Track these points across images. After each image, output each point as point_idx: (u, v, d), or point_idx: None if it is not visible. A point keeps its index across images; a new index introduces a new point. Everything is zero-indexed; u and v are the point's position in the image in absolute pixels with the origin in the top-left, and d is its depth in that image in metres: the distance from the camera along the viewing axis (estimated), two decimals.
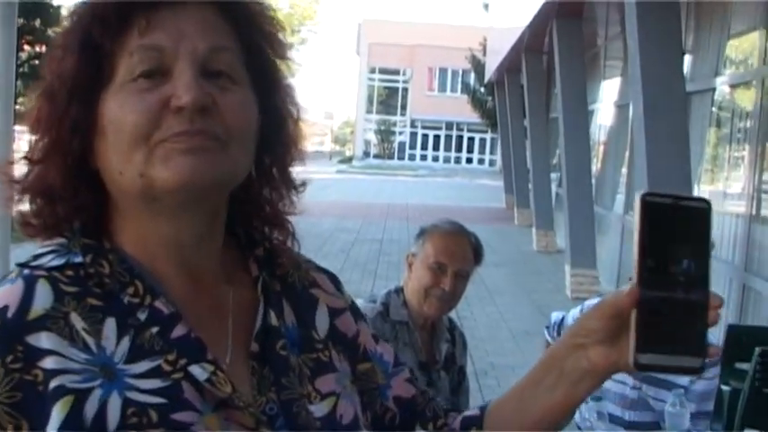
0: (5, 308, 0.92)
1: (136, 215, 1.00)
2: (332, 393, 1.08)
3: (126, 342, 0.95)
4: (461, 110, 44.63)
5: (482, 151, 59.74)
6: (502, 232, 18.31)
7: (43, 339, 0.92)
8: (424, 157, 60.67)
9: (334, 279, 1.20)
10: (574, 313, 3.66)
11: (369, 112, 63.66)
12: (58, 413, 0.89)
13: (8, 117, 2.67)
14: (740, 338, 5.37)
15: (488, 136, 54.43)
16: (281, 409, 1.01)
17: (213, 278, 1.05)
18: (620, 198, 12.10)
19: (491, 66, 23.64)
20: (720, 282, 7.70)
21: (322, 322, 1.13)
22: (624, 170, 12.06)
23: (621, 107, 12.18)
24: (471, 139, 59.68)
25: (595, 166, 14.33)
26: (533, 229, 16.41)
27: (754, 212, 7.24)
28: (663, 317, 0.95)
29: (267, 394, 1.01)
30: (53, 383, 0.90)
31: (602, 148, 14.63)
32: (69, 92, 0.97)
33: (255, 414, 0.98)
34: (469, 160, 59.90)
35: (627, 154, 11.74)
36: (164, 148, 0.95)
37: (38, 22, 16.96)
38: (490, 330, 9.20)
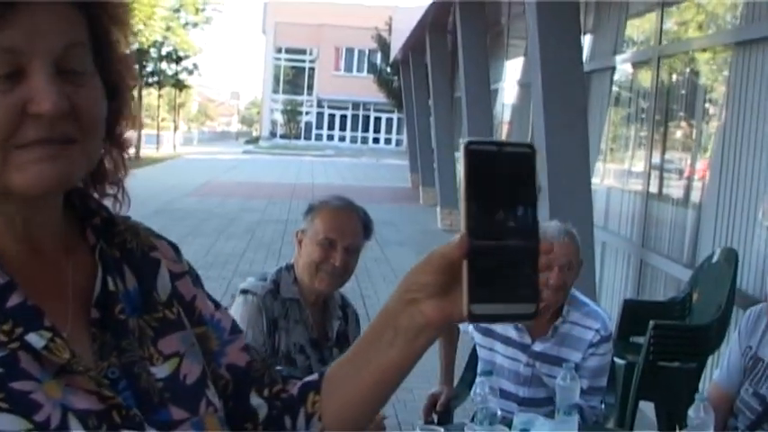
0: None
1: None
2: (175, 354, 1.09)
3: None
4: (368, 90, 44.65)
5: (388, 131, 60.04)
6: (407, 211, 18.42)
7: None
8: (330, 137, 60.74)
9: (174, 246, 1.22)
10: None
11: (275, 92, 63.35)
12: None
13: None
14: (636, 313, 5.49)
15: (395, 116, 54.65)
16: (122, 372, 1.02)
17: (53, 248, 1.05)
18: None
19: (396, 45, 23.64)
20: (619, 258, 7.86)
21: (164, 284, 1.14)
22: None
23: (525, 86, 12.29)
24: (378, 119, 59.94)
25: None
26: (438, 208, 16.46)
27: (651, 190, 7.37)
28: (493, 265, 0.94)
29: (109, 359, 1.02)
30: None
31: (506, 127, 14.77)
32: None
33: (96, 378, 0.98)
34: (376, 140, 60.19)
35: (530, 132, 11.86)
36: (21, 155, 0.94)
37: None
38: None
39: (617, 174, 8.77)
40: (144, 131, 39.93)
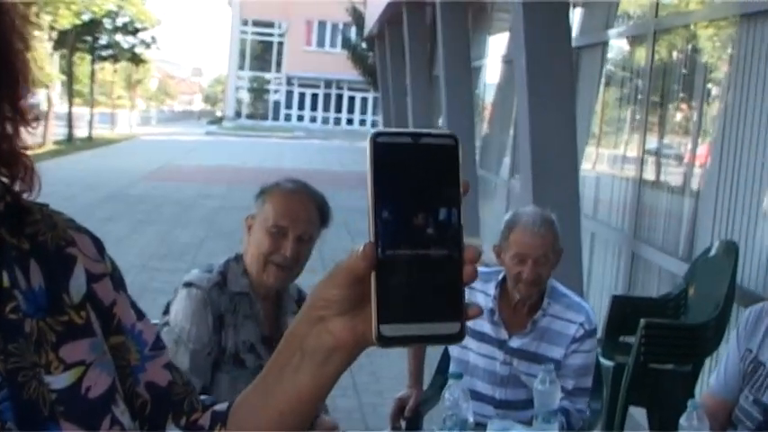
0: None
1: None
2: (79, 363, 1.04)
3: None
4: (341, 67, 44.49)
5: (363, 111, 59.98)
6: None
7: None
8: (300, 118, 60.62)
9: (97, 243, 1.16)
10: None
11: (241, 68, 63.14)
12: None
13: None
14: (625, 310, 5.46)
15: (370, 95, 54.62)
16: (4, 379, 0.97)
17: None
18: (507, 161, 12.19)
19: (371, 18, 23.55)
20: (609, 250, 7.82)
21: (78, 284, 1.09)
22: (512, 131, 12.17)
23: (509, 63, 12.23)
24: (352, 99, 59.88)
25: (481, 127, 14.42)
26: None
27: (645, 177, 7.33)
28: (408, 278, 0.88)
29: None
30: None
31: (488, 107, 14.73)
32: None
33: None
34: (350, 121, 60.13)
35: (514, 114, 11.82)
36: None
37: None
38: None
39: (609, 159, 8.74)
40: (97, 110, 39.70)
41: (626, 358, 4.88)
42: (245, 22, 63.04)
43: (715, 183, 5.91)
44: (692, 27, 6.87)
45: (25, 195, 1.08)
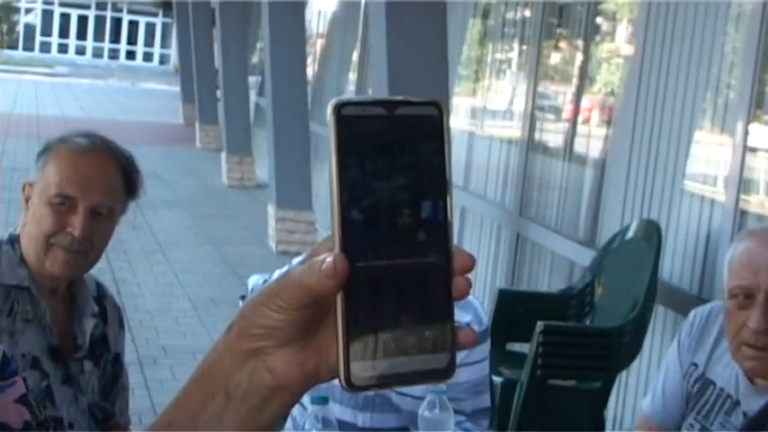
0: None
1: None
2: None
3: None
4: None
5: (150, 42, 59.63)
6: (178, 158, 18.60)
7: None
8: (63, 48, 59.65)
9: None
10: (280, 275, 3.54)
11: None
12: None
13: None
14: (514, 309, 5.52)
15: (159, 20, 54.12)
16: None
17: None
18: None
19: None
20: (486, 230, 7.91)
21: None
22: (352, 76, 12.19)
23: None
24: (134, 24, 59.36)
25: (313, 69, 14.40)
26: (223, 155, 16.54)
27: (534, 138, 7.43)
28: (384, 298, 0.86)
29: None
30: None
31: (322, 43, 14.74)
32: None
33: None
34: (131, 54, 59.71)
35: (356, 54, 11.84)
36: None
37: None
38: (162, 300, 9.23)
39: (486, 113, 8.82)
40: None
41: (518, 372, 4.94)
42: None
43: (627, 148, 6.03)
44: None
45: None
